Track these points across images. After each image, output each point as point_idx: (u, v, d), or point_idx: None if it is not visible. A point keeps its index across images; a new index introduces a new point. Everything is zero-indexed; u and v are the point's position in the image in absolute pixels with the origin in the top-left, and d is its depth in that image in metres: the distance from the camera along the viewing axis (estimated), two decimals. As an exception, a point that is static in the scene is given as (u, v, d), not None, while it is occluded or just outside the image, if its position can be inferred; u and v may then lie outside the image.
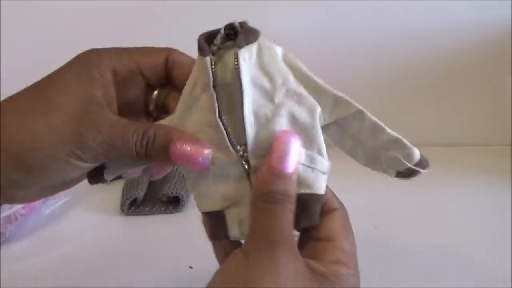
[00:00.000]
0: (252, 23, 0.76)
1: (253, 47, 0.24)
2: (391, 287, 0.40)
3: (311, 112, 0.24)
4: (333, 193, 0.27)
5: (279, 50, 0.25)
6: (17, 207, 0.48)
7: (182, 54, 0.28)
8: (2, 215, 0.46)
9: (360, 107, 0.26)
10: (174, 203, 0.55)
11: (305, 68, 0.26)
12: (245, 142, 0.23)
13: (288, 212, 0.22)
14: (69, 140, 0.24)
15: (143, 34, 0.70)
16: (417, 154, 0.28)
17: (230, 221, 0.25)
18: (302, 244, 0.26)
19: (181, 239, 0.48)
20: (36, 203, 0.53)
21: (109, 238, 0.50)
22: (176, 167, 0.59)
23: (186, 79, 0.26)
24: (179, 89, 0.27)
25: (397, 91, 0.72)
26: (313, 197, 0.24)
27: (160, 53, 0.28)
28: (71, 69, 0.26)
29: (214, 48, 0.24)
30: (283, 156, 0.22)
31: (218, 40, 0.24)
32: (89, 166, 0.26)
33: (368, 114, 0.27)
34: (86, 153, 0.24)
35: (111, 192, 0.59)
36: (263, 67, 0.24)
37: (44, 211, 0.53)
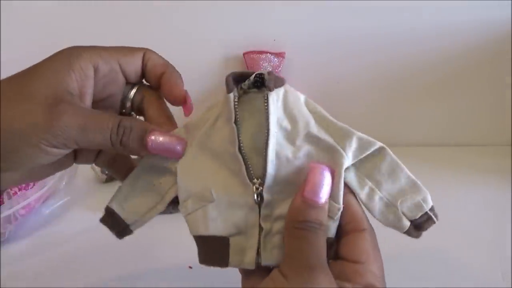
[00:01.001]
0: (252, 23, 0.76)
1: (280, 91, 0.26)
2: (391, 287, 0.39)
3: (329, 153, 0.26)
4: (364, 214, 0.27)
5: (302, 96, 0.27)
6: (17, 207, 0.48)
7: (156, 54, 0.30)
8: (2, 215, 0.46)
9: (382, 144, 0.27)
10: (174, 203, 0.55)
11: (324, 112, 0.28)
12: (263, 177, 0.25)
13: (322, 239, 0.24)
14: (40, 126, 0.24)
15: (143, 34, 0.70)
16: (430, 199, 0.28)
17: (233, 248, 0.26)
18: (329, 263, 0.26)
19: (181, 239, 0.48)
20: (36, 204, 0.53)
21: (109, 238, 0.49)
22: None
23: (158, 78, 0.28)
24: (153, 88, 0.29)
25: (397, 91, 0.72)
26: (328, 241, 0.25)
27: (137, 52, 0.29)
28: (53, 61, 0.27)
29: (240, 90, 0.26)
30: (317, 188, 0.24)
31: (246, 84, 0.26)
32: (61, 152, 0.26)
33: (390, 151, 0.28)
34: (57, 139, 0.25)
35: (111, 192, 0.59)
36: (288, 111, 0.26)
37: (44, 211, 0.53)
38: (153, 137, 0.26)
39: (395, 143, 0.76)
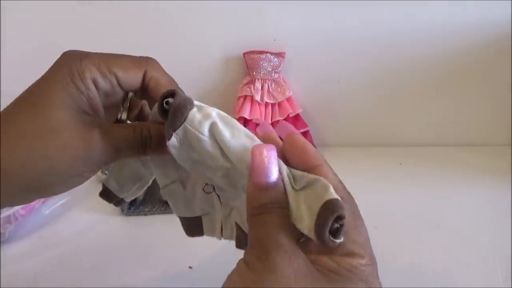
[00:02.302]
0: (252, 23, 0.75)
1: (180, 131, 0.25)
2: (391, 287, 0.39)
3: (234, 184, 0.27)
4: (340, 182, 0.24)
5: (206, 128, 0.24)
6: (17, 207, 0.48)
7: (160, 70, 0.30)
8: (2, 215, 0.46)
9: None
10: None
11: (228, 144, 0.24)
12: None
13: (279, 217, 0.22)
14: (81, 158, 0.26)
15: (143, 35, 0.70)
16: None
17: (205, 224, 0.33)
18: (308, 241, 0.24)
19: (181, 239, 0.48)
20: (36, 204, 0.53)
21: (109, 238, 0.50)
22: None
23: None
24: (154, 101, 0.29)
25: (397, 91, 0.72)
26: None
27: (138, 68, 0.29)
28: (58, 79, 0.26)
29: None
30: (261, 169, 0.23)
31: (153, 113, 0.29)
32: (96, 172, 0.28)
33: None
34: (97, 164, 0.27)
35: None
36: (193, 147, 0.25)
37: (44, 212, 0.53)
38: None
39: (395, 143, 0.76)
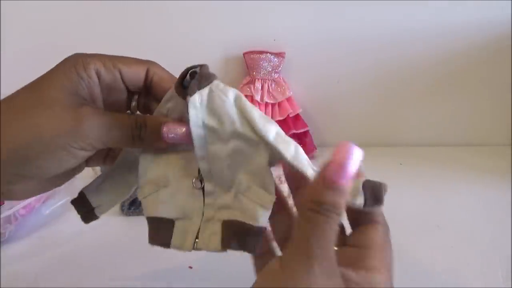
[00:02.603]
0: (252, 23, 0.76)
1: (205, 91, 0.26)
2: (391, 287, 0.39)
3: (255, 149, 0.26)
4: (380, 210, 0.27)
5: (231, 94, 0.27)
6: (17, 207, 0.48)
7: (161, 68, 0.31)
8: (2, 215, 0.46)
9: (289, 159, 0.25)
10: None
11: (251, 112, 0.26)
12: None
13: (333, 224, 0.22)
14: (69, 130, 0.25)
15: (143, 34, 0.70)
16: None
17: (176, 231, 0.29)
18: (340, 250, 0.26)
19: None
20: (36, 204, 0.53)
21: (109, 238, 0.50)
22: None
23: (164, 92, 0.29)
24: (157, 100, 0.29)
25: (397, 91, 0.72)
26: (246, 226, 0.26)
27: (141, 65, 0.30)
28: (61, 69, 0.27)
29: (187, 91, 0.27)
30: (340, 167, 0.22)
31: (186, 82, 0.27)
32: (87, 154, 0.27)
33: (295, 163, 0.25)
34: (86, 140, 0.26)
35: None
36: (213, 111, 0.26)
37: (44, 212, 0.53)
38: (167, 128, 0.27)
39: (395, 143, 0.76)
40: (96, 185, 0.33)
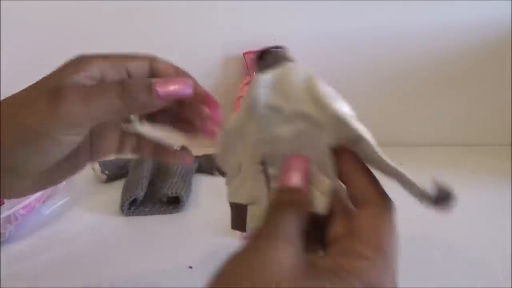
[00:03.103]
0: (252, 23, 0.76)
1: (276, 71, 0.25)
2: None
3: (320, 131, 0.25)
4: (373, 183, 0.24)
5: (302, 74, 0.26)
6: (17, 207, 0.48)
7: (163, 59, 0.30)
8: (2, 215, 0.46)
9: (363, 135, 0.25)
10: (174, 203, 0.55)
11: (323, 90, 0.26)
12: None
13: (289, 215, 0.22)
14: (46, 112, 0.24)
15: (143, 34, 0.70)
16: (430, 195, 0.25)
17: (250, 215, 0.29)
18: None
19: (181, 239, 0.48)
20: (36, 204, 0.53)
21: (109, 238, 0.50)
22: (176, 168, 0.59)
23: None
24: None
25: (397, 91, 0.72)
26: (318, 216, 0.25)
27: (144, 58, 0.29)
28: (62, 66, 0.27)
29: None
30: (288, 174, 0.24)
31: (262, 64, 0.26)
32: (71, 140, 0.25)
33: (371, 144, 0.26)
34: (65, 121, 0.24)
35: (111, 192, 0.59)
36: (282, 90, 0.25)
37: (44, 211, 0.53)
38: (159, 84, 0.26)
39: (395, 143, 0.76)
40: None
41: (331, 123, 0.25)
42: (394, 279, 0.22)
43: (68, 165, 0.29)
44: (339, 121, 0.25)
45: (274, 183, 0.27)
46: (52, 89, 0.24)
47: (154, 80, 0.26)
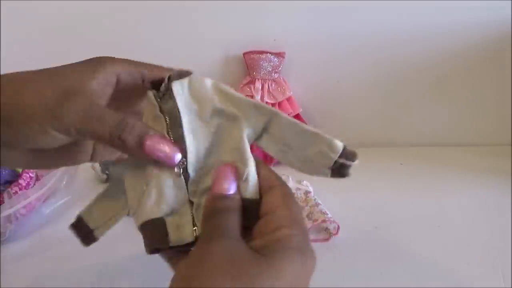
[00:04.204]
0: (252, 23, 0.75)
1: (185, 81, 0.28)
2: (391, 287, 0.40)
3: (235, 122, 0.28)
4: (273, 172, 0.28)
5: (208, 82, 0.29)
6: (18, 206, 0.48)
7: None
8: (2, 215, 0.46)
9: (275, 110, 0.29)
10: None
11: (229, 90, 0.29)
12: (186, 156, 0.27)
13: (224, 218, 0.25)
14: (47, 106, 0.25)
15: (144, 34, 0.70)
16: (338, 145, 0.29)
17: (170, 227, 0.28)
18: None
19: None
20: (36, 203, 0.53)
21: (108, 238, 0.49)
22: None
23: None
24: None
25: (397, 91, 0.72)
26: (249, 201, 0.27)
27: (163, 71, 0.30)
28: (80, 64, 0.28)
29: (161, 91, 0.28)
30: (220, 182, 0.27)
31: (163, 87, 0.28)
32: (61, 138, 0.26)
33: (283, 115, 0.29)
34: (59, 121, 0.25)
35: (111, 192, 0.59)
36: (194, 94, 0.28)
37: (44, 211, 0.53)
38: (151, 140, 0.26)
39: (395, 143, 0.76)
40: (90, 207, 0.33)
41: (244, 112, 0.28)
42: (311, 244, 0.24)
43: (66, 156, 0.30)
44: (254, 106, 0.28)
45: (193, 187, 0.28)
46: (63, 89, 0.26)
47: (149, 134, 0.26)
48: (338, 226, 0.48)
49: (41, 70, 0.27)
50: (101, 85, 0.27)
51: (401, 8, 0.66)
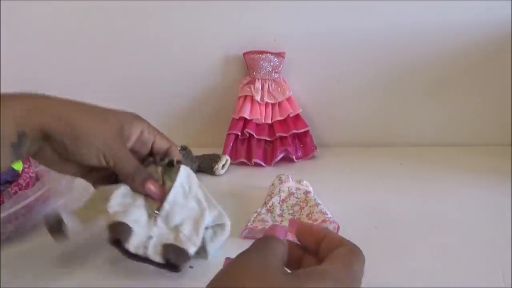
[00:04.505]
0: (252, 23, 0.75)
1: (188, 169, 0.44)
2: (391, 287, 0.39)
3: (200, 209, 0.43)
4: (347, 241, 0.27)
5: (194, 175, 0.45)
6: (17, 206, 0.48)
7: (176, 151, 0.45)
8: (2, 215, 0.46)
9: (227, 223, 0.44)
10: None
11: (205, 191, 0.44)
12: (159, 209, 0.41)
13: (272, 242, 0.26)
14: (105, 139, 0.38)
15: (144, 34, 0.70)
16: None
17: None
18: None
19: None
20: (36, 203, 0.53)
21: (109, 238, 0.50)
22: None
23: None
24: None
25: (397, 91, 0.72)
26: (180, 248, 0.40)
27: (168, 142, 0.44)
28: (125, 112, 0.41)
29: (162, 164, 0.43)
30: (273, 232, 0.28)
31: (165, 161, 0.43)
32: (100, 162, 0.39)
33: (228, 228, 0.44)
34: (107, 154, 0.39)
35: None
36: (189, 180, 0.43)
37: (44, 211, 0.53)
38: (150, 184, 0.41)
39: (395, 143, 0.76)
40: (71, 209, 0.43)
41: (209, 207, 0.43)
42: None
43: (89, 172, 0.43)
44: (220, 214, 0.44)
45: (155, 229, 0.41)
46: (117, 131, 0.39)
47: (151, 178, 0.41)
48: (338, 226, 0.48)
49: (100, 107, 0.40)
50: (134, 136, 0.41)
51: (401, 8, 0.66)
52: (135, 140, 0.41)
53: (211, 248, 0.43)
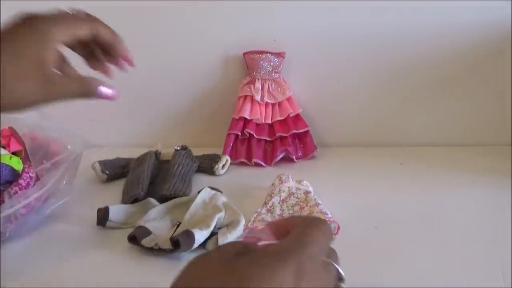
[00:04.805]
0: (252, 23, 0.75)
1: (208, 189, 0.55)
2: (391, 287, 0.40)
3: (211, 218, 0.48)
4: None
5: (219, 195, 0.55)
6: (18, 206, 0.48)
7: (106, 27, 0.39)
8: (2, 215, 0.46)
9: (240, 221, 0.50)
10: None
11: (226, 202, 0.53)
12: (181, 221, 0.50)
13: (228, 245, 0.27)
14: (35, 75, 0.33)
15: (144, 34, 0.70)
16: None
17: (151, 235, 0.47)
18: None
19: (181, 239, 0.48)
20: (36, 203, 0.53)
21: (109, 237, 0.50)
22: (176, 168, 0.59)
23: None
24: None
25: (397, 91, 0.72)
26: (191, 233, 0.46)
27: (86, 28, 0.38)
28: (31, 38, 0.36)
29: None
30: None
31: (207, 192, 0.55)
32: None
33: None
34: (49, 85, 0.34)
35: (111, 192, 0.59)
36: (211, 195, 0.54)
37: (44, 211, 0.53)
38: (104, 86, 0.38)
39: (395, 143, 0.76)
40: (117, 208, 0.52)
41: (229, 215, 0.50)
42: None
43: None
44: (236, 213, 0.50)
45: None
46: (40, 64, 0.34)
47: (102, 83, 0.38)
48: (338, 226, 0.48)
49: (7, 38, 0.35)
50: (53, 56, 0.35)
51: (401, 8, 0.66)
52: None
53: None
